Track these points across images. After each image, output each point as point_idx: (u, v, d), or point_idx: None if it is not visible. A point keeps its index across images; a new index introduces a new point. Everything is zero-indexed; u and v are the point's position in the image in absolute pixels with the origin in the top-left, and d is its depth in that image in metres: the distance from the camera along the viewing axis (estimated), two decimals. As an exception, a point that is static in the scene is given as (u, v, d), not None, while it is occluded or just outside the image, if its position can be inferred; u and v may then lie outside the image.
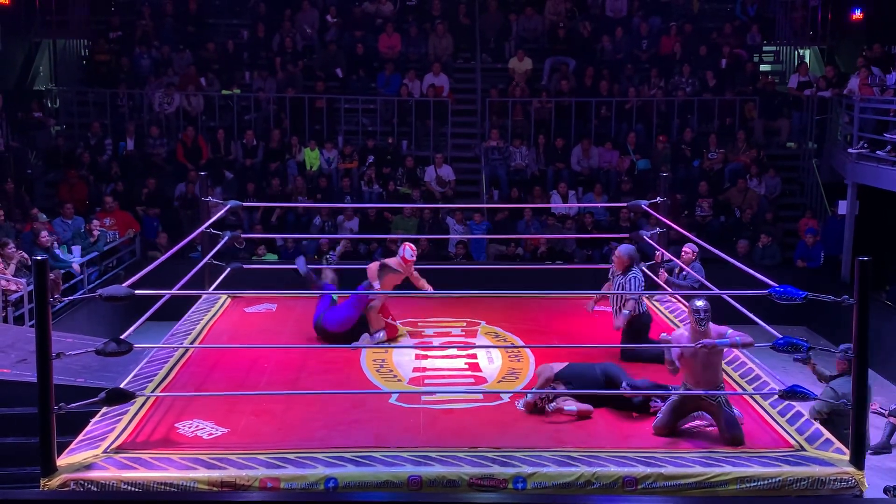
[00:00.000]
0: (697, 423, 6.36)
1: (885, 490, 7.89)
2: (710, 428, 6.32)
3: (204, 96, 16.20)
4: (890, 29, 15.44)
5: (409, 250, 8.49)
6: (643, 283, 8.00)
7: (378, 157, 15.51)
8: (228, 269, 9.58)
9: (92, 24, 17.47)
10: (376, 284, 8.25)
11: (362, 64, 16.76)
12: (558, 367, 6.74)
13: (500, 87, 16.53)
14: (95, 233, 12.68)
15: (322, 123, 16.08)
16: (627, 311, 7.76)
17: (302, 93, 16.17)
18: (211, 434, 6.18)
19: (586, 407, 6.53)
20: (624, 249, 8.07)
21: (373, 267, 8.43)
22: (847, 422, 6.91)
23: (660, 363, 7.02)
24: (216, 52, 16.93)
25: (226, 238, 9.53)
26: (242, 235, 10.77)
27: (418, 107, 16.14)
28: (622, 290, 7.88)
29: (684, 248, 9.58)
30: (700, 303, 6.24)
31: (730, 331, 6.25)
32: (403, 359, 7.67)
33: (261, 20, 17.26)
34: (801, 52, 17.76)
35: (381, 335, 8.19)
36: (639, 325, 7.93)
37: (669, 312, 9.06)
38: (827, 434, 6.17)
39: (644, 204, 9.99)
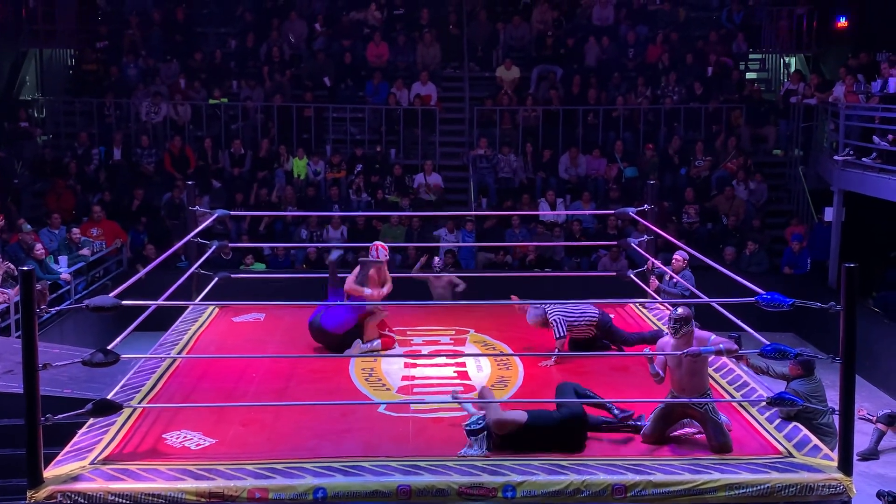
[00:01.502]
0: (687, 430, 6.37)
1: (878, 495, 7.92)
2: (699, 435, 6.33)
3: (191, 105, 16.18)
4: (874, 37, 15.56)
5: (381, 251, 8.43)
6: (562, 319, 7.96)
7: (366, 165, 15.52)
8: (216, 278, 9.55)
9: (79, 34, 17.43)
10: (367, 291, 8.23)
11: (350, 73, 16.77)
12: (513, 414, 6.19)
13: (487, 95, 16.56)
14: (77, 239, 12.66)
15: (310, 132, 16.07)
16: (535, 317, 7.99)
17: (290, 101, 16.17)
18: (199, 444, 6.15)
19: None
20: (532, 317, 8.05)
21: (351, 286, 8.24)
22: (810, 422, 6.93)
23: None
24: (204, 61, 16.92)
25: (213, 248, 9.51)
26: (230, 245, 10.76)
27: (406, 115, 16.15)
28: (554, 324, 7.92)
29: (675, 256, 9.61)
30: (680, 310, 6.26)
31: (713, 336, 6.26)
32: (392, 367, 7.65)
33: (249, 29, 17.26)
34: (787, 59, 17.87)
35: (376, 344, 8.18)
36: (605, 329, 8.07)
37: (658, 320, 9.07)
38: (815, 440, 6.18)
39: (632, 211, 10.03)
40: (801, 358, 7.15)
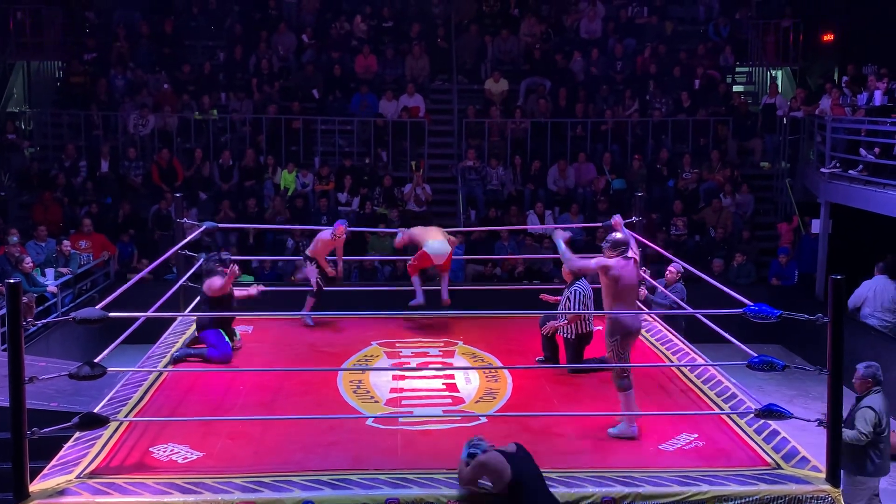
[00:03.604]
0: (682, 440, 6.38)
1: None
2: (691, 446, 6.34)
3: (179, 117, 16.15)
4: (860, 50, 15.67)
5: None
6: (586, 296, 8.02)
7: (355, 177, 15.52)
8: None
9: (66, 46, 17.39)
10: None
11: (339, 85, 16.79)
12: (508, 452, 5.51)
13: (476, 107, 16.61)
14: (67, 252, 12.58)
15: (299, 144, 16.07)
16: (556, 323, 7.97)
17: (278, 114, 16.17)
18: (186, 458, 6.12)
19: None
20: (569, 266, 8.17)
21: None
22: (884, 443, 6.86)
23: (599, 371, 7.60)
24: (192, 73, 16.90)
25: (201, 260, 9.48)
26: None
27: (395, 128, 16.17)
28: (567, 300, 8.01)
29: (668, 269, 9.63)
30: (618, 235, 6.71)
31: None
32: (380, 380, 7.64)
33: (237, 41, 17.26)
34: (774, 73, 17.98)
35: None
36: (583, 340, 8.06)
37: (646, 332, 9.09)
38: (803, 452, 6.19)
39: (620, 223, 10.04)
40: (870, 370, 7.04)
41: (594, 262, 6.58)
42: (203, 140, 16.05)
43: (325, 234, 9.38)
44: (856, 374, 7.19)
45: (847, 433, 6.82)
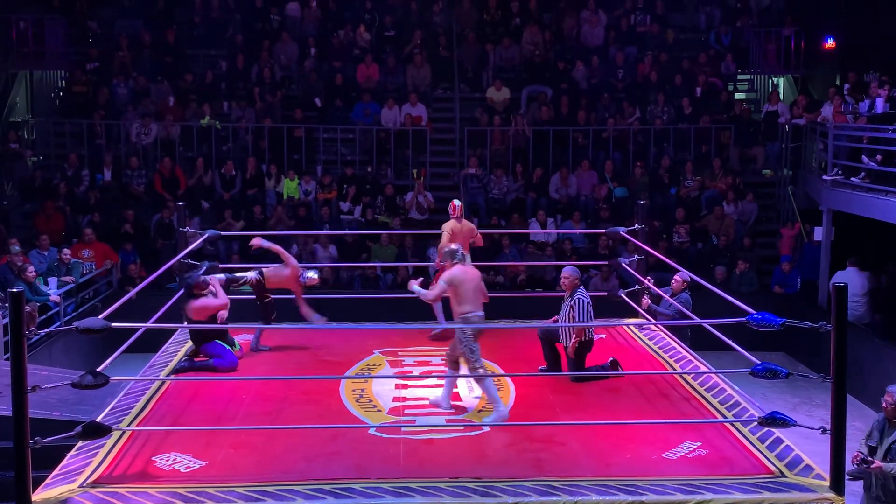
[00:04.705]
0: (685, 448, 6.36)
1: None
2: (694, 454, 6.33)
3: (181, 126, 16.17)
4: (861, 57, 15.68)
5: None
6: (589, 303, 8.05)
7: (357, 185, 15.53)
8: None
9: (69, 56, 17.42)
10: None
11: (341, 93, 16.82)
12: None
13: (478, 115, 16.62)
14: (69, 261, 12.59)
15: (301, 153, 16.10)
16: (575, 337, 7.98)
17: (281, 122, 16.19)
18: (189, 467, 6.12)
19: None
20: (569, 270, 8.22)
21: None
22: None
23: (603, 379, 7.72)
24: (194, 82, 16.93)
25: (203, 269, 9.47)
26: (220, 266, 10.70)
27: (397, 136, 16.19)
28: (570, 311, 8.01)
29: (675, 277, 9.61)
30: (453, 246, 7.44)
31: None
32: (383, 388, 7.64)
33: (239, 51, 17.29)
34: (775, 80, 17.99)
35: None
36: (584, 348, 8.04)
37: (649, 340, 9.09)
38: (807, 460, 6.18)
39: (622, 231, 10.05)
40: None
41: (441, 283, 7.24)
42: (205, 149, 16.07)
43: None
44: (890, 399, 6.64)
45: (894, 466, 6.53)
